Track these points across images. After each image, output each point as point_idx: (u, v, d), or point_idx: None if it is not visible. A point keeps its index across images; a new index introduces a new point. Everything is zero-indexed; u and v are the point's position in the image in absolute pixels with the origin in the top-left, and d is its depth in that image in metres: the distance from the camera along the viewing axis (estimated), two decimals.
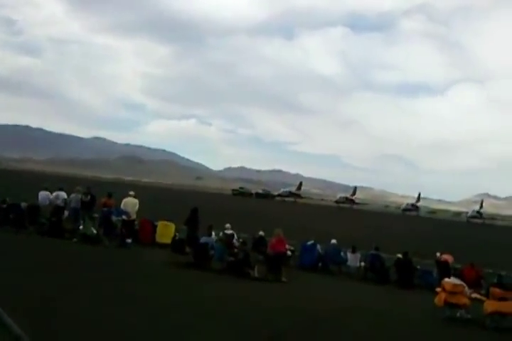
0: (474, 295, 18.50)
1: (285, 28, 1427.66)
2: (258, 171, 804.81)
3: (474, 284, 20.58)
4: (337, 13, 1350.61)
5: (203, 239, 23.31)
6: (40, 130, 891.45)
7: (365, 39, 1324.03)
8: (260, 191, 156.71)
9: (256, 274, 21.36)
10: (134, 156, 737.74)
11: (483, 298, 17.56)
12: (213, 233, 24.46)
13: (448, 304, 17.09)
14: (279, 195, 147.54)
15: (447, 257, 24.04)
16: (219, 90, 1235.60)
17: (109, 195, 27.27)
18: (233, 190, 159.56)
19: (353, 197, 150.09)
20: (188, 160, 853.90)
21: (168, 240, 24.67)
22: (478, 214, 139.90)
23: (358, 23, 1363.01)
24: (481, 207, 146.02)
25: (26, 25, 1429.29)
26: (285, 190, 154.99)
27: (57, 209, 26.76)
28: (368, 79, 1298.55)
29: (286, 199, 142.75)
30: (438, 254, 24.43)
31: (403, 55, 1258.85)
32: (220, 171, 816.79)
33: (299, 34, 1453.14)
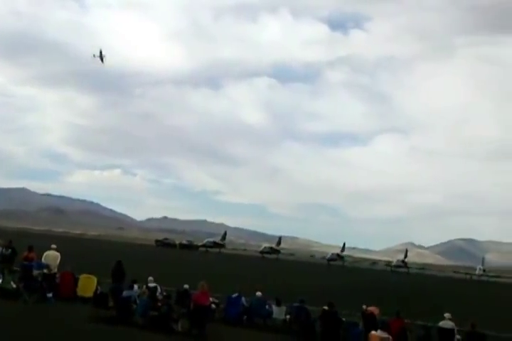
0: None
1: (211, 78, 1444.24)
2: (182, 221, 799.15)
3: (400, 336, 20.68)
4: (262, 64, 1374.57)
5: (126, 293, 22.74)
6: None
7: (291, 89, 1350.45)
8: (184, 242, 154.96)
9: (179, 328, 20.93)
10: (55, 207, 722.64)
11: None
12: (136, 286, 23.93)
13: None
14: (203, 246, 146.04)
15: (373, 309, 24.12)
16: (144, 140, 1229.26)
17: (30, 248, 26.71)
18: (156, 240, 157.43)
19: (278, 247, 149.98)
20: (111, 210, 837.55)
21: (90, 294, 24.16)
22: (403, 263, 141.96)
23: (284, 74, 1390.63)
24: (406, 256, 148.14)
25: None
26: (209, 240, 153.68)
27: None
28: (294, 129, 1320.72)
29: (211, 249, 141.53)
30: (364, 306, 24.48)
31: (329, 105, 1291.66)
32: (142, 221, 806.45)
33: (224, 84, 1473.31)
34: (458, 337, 21.47)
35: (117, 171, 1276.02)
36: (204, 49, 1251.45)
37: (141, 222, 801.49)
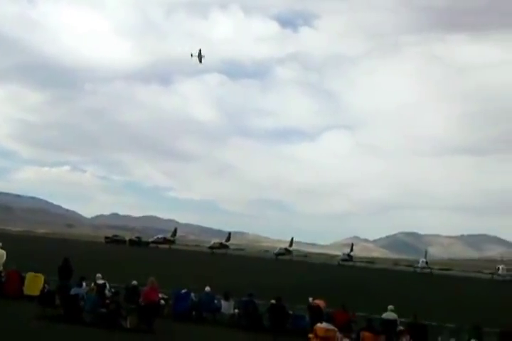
0: (345, 340, 19.13)
1: (162, 74, 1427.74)
2: (132, 218, 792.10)
3: (345, 328, 21.20)
4: (213, 61, 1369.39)
5: (74, 290, 22.67)
6: None
7: (241, 86, 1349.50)
8: (134, 238, 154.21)
9: (128, 325, 21.01)
10: (3, 204, 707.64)
11: None
12: (84, 283, 23.88)
13: None
14: (153, 242, 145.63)
15: (319, 302, 24.63)
16: (94, 136, 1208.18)
17: None
18: (106, 237, 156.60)
19: (227, 243, 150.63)
20: (60, 207, 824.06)
21: (37, 292, 23.83)
22: (349, 257, 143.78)
23: (234, 71, 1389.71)
24: (352, 250, 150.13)
25: None
26: (159, 236, 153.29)
27: None
28: (244, 125, 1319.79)
29: (161, 246, 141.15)
30: (310, 299, 24.98)
31: (278, 101, 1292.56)
32: (92, 218, 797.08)
33: (175, 80, 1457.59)
34: (400, 327, 22.13)
35: (66, 168, 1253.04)
36: (155, 45, 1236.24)
37: (91, 218, 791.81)
